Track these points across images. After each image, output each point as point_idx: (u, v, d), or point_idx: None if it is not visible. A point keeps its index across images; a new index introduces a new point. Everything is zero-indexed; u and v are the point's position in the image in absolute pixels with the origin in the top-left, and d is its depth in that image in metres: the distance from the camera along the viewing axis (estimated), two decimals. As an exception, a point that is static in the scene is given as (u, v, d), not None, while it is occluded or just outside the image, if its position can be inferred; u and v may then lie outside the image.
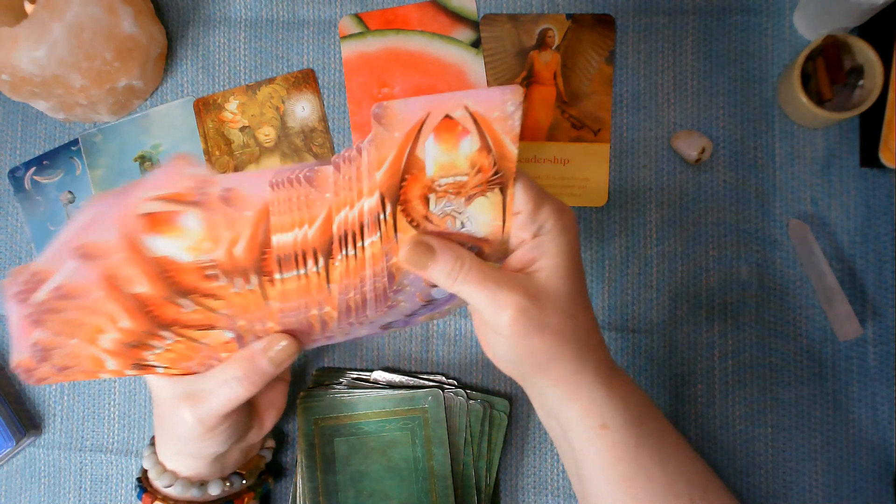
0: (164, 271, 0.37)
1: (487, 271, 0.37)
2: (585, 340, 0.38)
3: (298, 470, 0.54)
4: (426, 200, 0.37)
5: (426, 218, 0.38)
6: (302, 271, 0.38)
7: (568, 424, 0.40)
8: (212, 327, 0.40)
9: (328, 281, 0.39)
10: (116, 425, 0.59)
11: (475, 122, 0.36)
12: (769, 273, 0.54)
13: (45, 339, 0.38)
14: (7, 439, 0.57)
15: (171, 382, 0.42)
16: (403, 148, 0.36)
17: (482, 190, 0.37)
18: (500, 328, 0.37)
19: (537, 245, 0.38)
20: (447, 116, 0.35)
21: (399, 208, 0.37)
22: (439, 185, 0.37)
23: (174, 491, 0.45)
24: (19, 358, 0.39)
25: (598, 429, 0.39)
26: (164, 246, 0.36)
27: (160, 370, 0.41)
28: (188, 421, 0.41)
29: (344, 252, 0.38)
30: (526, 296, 0.36)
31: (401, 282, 0.40)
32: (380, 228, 0.38)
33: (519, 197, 0.37)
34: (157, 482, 0.45)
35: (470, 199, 0.37)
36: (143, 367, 0.41)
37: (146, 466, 0.46)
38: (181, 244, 0.36)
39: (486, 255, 0.40)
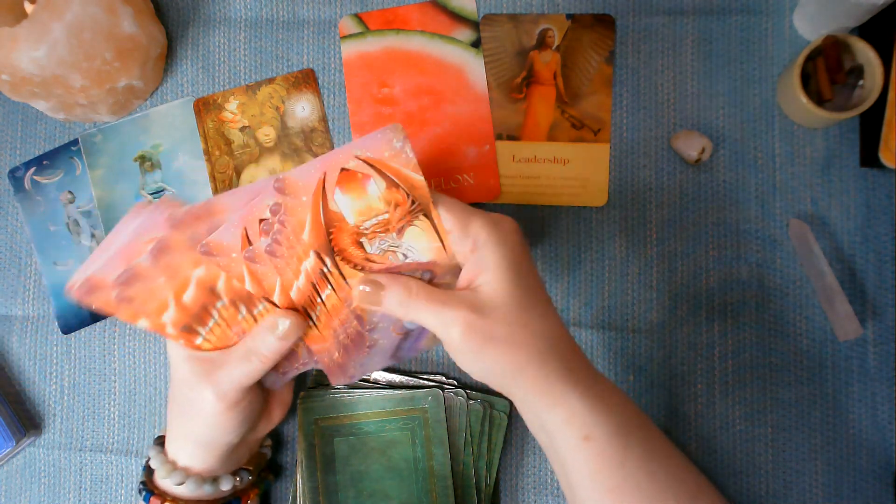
0: (331, 225, 0.40)
1: (434, 293, 0.39)
2: (547, 348, 0.38)
3: (298, 470, 0.54)
4: (360, 245, 0.40)
5: (368, 260, 0.40)
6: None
7: (553, 433, 0.39)
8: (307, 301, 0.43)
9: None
10: (116, 425, 0.59)
11: (371, 165, 0.38)
12: (769, 273, 0.54)
13: (145, 266, 0.40)
14: (7, 439, 0.57)
15: (192, 363, 0.43)
16: (316, 207, 0.39)
17: (408, 220, 0.39)
18: (453, 345, 0.38)
19: (477, 260, 0.39)
20: (343, 170, 0.38)
21: (338, 258, 0.40)
22: (366, 229, 0.40)
23: (185, 489, 0.45)
24: (101, 274, 0.40)
25: (582, 440, 0.39)
26: (343, 203, 0.40)
27: (199, 341, 0.43)
28: (209, 398, 0.42)
29: (313, 313, 0.42)
30: (471, 310, 0.37)
31: (370, 320, 0.43)
32: (329, 282, 0.41)
33: (444, 218, 0.39)
34: (166, 481, 0.45)
35: (401, 231, 0.40)
36: (191, 332, 0.43)
37: (154, 466, 0.46)
38: (356, 206, 0.40)
39: (440, 276, 0.41)
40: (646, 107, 0.55)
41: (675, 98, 0.55)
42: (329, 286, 0.41)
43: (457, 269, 0.41)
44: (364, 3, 0.58)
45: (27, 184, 0.60)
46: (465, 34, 0.57)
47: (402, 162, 0.38)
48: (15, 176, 0.60)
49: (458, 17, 0.57)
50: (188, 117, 0.59)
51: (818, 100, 0.51)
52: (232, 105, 0.59)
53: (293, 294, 0.41)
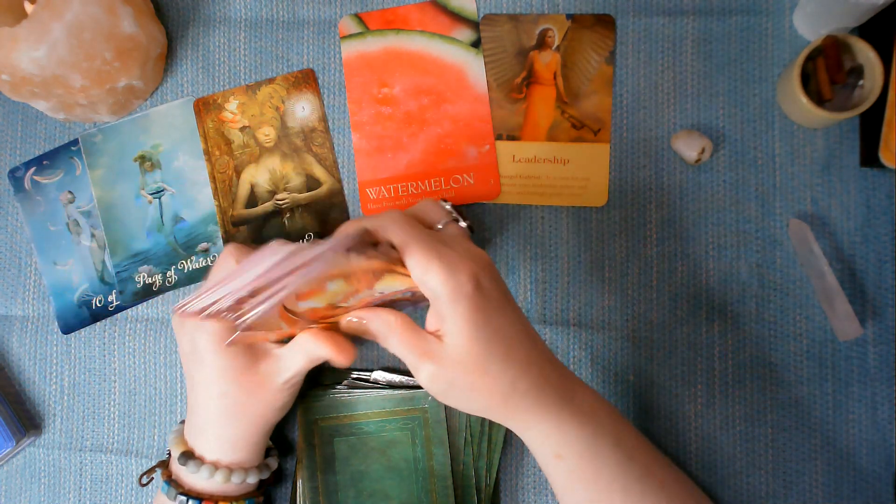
0: (304, 316, 0.43)
1: (408, 337, 0.41)
2: (510, 387, 0.40)
3: (298, 470, 0.54)
4: (334, 307, 0.43)
5: (346, 309, 0.44)
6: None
7: (531, 450, 0.43)
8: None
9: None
10: (116, 425, 0.59)
11: (317, 280, 0.39)
12: (769, 273, 0.54)
13: (267, 317, 0.42)
14: (7, 439, 0.57)
15: (237, 352, 0.46)
16: (287, 320, 0.43)
17: (373, 282, 0.41)
18: (423, 384, 0.41)
19: (436, 311, 0.41)
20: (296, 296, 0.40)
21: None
22: (338, 303, 0.42)
23: (214, 482, 0.47)
24: (216, 307, 0.41)
25: (553, 458, 0.42)
26: (309, 304, 0.42)
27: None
28: (271, 392, 0.47)
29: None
30: (433, 360, 0.40)
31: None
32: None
33: (410, 266, 0.40)
34: (198, 475, 0.47)
35: (372, 287, 0.42)
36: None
37: (181, 463, 0.47)
38: (321, 301, 0.42)
39: (419, 296, 0.43)
40: (646, 107, 0.55)
41: (675, 98, 0.55)
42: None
43: None
44: (364, 3, 0.58)
45: (27, 184, 0.60)
46: (465, 34, 0.57)
47: (350, 265, 0.38)
48: (15, 176, 0.60)
49: (458, 17, 0.57)
50: (188, 117, 0.59)
51: (818, 100, 0.51)
52: (232, 105, 0.59)
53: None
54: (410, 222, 0.41)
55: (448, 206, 0.46)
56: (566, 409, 0.41)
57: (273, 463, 0.51)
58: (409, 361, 0.41)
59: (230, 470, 0.47)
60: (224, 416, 0.47)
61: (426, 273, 0.39)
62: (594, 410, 0.42)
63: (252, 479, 0.48)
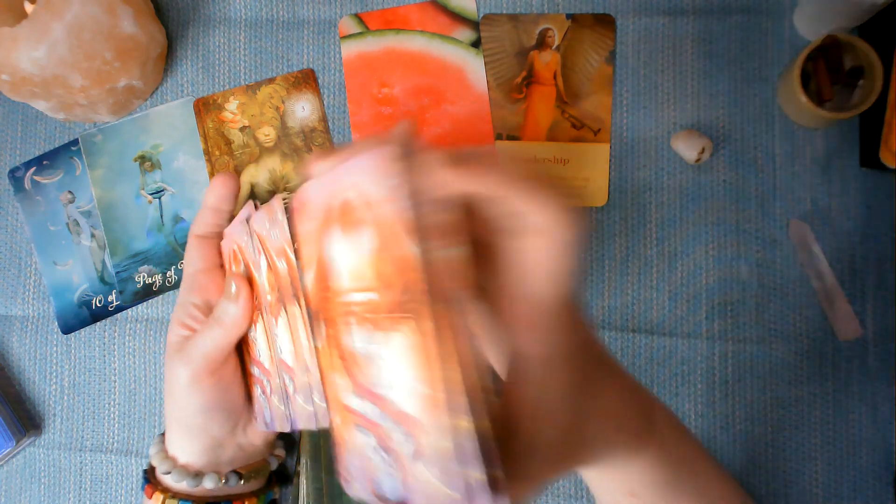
0: (323, 279, 0.28)
1: None
2: (590, 440, 0.31)
3: (302, 471, 0.54)
4: (349, 326, 0.26)
5: (353, 357, 0.26)
6: None
7: (596, 489, 0.37)
8: None
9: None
10: (116, 425, 0.59)
11: (367, 207, 0.25)
12: (769, 273, 0.54)
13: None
14: (7, 439, 0.57)
15: (174, 342, 0.44)
16: (320, 246, 0.27)
17: (395, 319, 0.24)
18: None
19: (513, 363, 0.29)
20: (346, 200, 0.26)
21: (328, 332, 0.28)
22: (356, 304, 0.26)
23: (171, 479, 0.45)
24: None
25: (628, 496, 0.36)
26: (340, 252, 0.27)
27: None
28: (180, 371, 0.43)
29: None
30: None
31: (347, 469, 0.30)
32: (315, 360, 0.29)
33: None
34: (159, 469, 0.46)
35: (388, 335, 0.25)
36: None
37: (151, 453, 0.47)
38: (350, 264, 0.26)
39: (423, 453, 0.24)
40: (646, 107, 0.55)
41: (675, 98, 0.55)
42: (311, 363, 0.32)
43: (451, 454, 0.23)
44: (364, 3, 0.58)
45: (27, 184, 0.60)
46: (465, 34, 0.57)
47: (396, 214, 0.24)
48: (15, 176, 0.60)
49: (458, 17, 0.57)
50: (188, 117, 0.59)
51: (818, 100, 0.51)
52: (232, 105, 0.59)
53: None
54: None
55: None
56: (650, 446, 0.34)
57: (234, 479, 0.48)
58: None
59: (186, 470, 0.46)
60: (167, 415, 0.46)
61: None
62: (673, 438, 0.36)
63: (209, 484, 0.46)
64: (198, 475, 0.46)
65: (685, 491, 0.36)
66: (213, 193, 0.46)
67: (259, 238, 0.38)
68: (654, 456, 0.34)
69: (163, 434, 0.48)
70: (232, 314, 0.42)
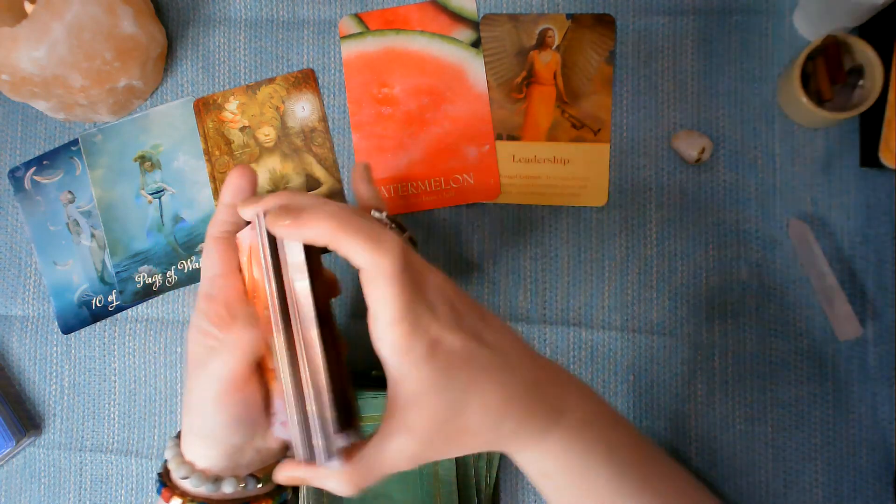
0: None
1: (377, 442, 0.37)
2: (493, 437, 0.38)
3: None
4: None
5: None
6: None
7: (521, 469, 0.41)
8: None
9: None
10: (116, 425, 0.59)
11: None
12: (769, 273, 0.54)
13: None
14: (7, 439, 0.57)
15: (201, 351, 0.43)
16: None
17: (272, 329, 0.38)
18: (394, 464, 0.39)
19: (391, 370, 0.37)
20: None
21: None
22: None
23: (189, 484, 0.45)
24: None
25: (541, 477, 0.40)
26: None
27: None
28: (206, 385, 0.42)
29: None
30: (404, 433, 0.37)
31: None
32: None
33: (366, 279, 0.35)
34: (176, 474, 0.45)
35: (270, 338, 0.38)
36: None
37: (167, 457, 0.47)
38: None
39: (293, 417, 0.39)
40: (646, 107, 0.55)
41: (675, 98, 0.55)
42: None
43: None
44: (364, 3, 0.58)
45: (27, 184, 0.60)
46: (465, 34, 0.57)
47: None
48: (15, 176, 0.60)
49: (458, 17, 0.57)
50: (188, 117, 0.59)
51: (818, 100, 0.51)
52: (232, 105, 0.59)
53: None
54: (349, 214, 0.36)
55: (382, 216, 0.43)
56: (553, 431, 0.39)
57: (252, 482, 0.48)
58: (371, 454, 0.37)
59: (204, 474, 0.46)
60: (185, 421, 0.45)
61: (394, 324, 0.34)
62: (585, 423, 0.40)
63: (228, 489, 0.46)
64: (217, 480, 0.46)
65: (600, 474, 0.40)
66: (229, 188, 0.45)
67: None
68: (559, 442, 0.39)
69: (177, 437, 0.48)
70: (245, 339, 0.41)
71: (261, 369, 0.45)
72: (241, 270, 0.43)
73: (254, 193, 0.45)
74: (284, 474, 0.40)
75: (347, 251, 0.34)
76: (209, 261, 0.44)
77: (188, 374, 0.44)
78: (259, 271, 0.39)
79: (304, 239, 0.35)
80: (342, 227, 0.34)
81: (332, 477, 0.37)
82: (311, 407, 0.36)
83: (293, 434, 0.37)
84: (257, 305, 0.41)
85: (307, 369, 0.36)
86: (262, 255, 0.37)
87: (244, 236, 0.42)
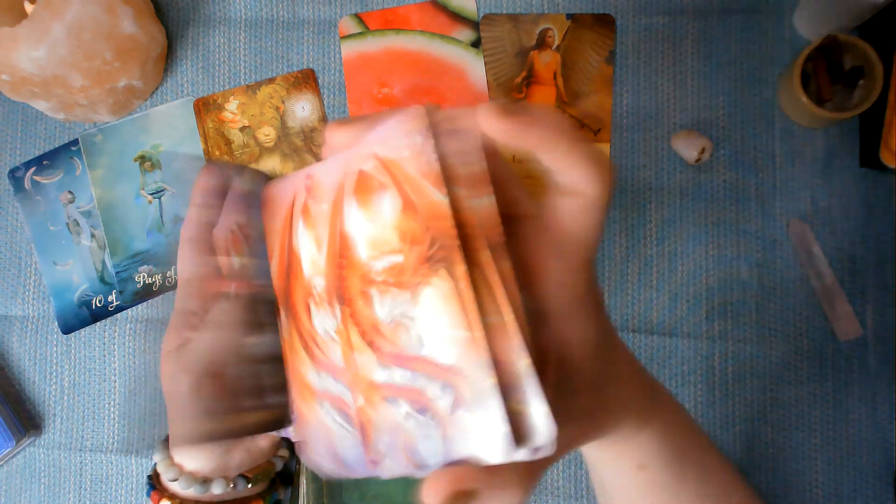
0: (342, 255, 0.28)
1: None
2: (605, 415, 0.33)
3: (303, 471, 0.54)
4: (370, 298, 0.26)
5: (376, 329, 0.26)
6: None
7: (602, 465, 0.38)
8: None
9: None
10: (116, 425, 0.59)
11: (388, 171, 0.26)
12: (769, 273, 0.54)
13: None
14: (7, 439, 0.57)
15: (174, 350, 0.42)
16: (334, 223, 0.27)
17: (424, 273, 0.24)
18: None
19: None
20: (361, 172, 0.26)
21: (347, 312, 0.27)
22: (377, 272, 0.26)
23: (178, 486, 0.45)
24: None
25: (636, 468, 0.37)
26: (357, 223, 0.27)
27: None
28: (179, 377, 0.41)
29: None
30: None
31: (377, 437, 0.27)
32: (335, 340, 0.28)
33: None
34: (165, 476, 0.46)
35: (415, 291, 0.25)
36: None
37: (156, 460, 0.47)
38: (369, 232, 0.26)
39: (466, 402, 0.24)
40: (646, 107, 0.55)
41: (675, 98, 0.55)
42: (336, 346, 0.28)
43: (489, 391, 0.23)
44: (364, 3, 0.58)
45: (27, 184, 0.60)
46: (465, 34, 0.57)
47: (423, 168, 0.25)
48: (15, 176, 0.60)
49: (458, 17, 0.57)
50: (188, 117, 0.59)
51: (818, 100, 0.51)
52: (232, 105, 0.59)
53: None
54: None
55: None
56: (657, 417, 0.36)
57: (241, 482, 0.48)
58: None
59: (193, 476, 0.46)
60: (170, 423, 0.45)
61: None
62: (679, 419, 0.39)
63: (217, 490, 0.46)
64: (206, 481, 0.46)
65: (690, 465, 0.38)
66: (198, 190, 0.45)
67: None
68: (659, 429, 0.36)
69: (166, 439, 0.48)
70: (228, 313, 0.41)
71: None
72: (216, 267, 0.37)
73: (225, 189, 0.41)
74: (443, 494, 0.25)
75: (573, 170, 0.28)
76: (185, 262, 0.43)
77: (163, 371, 0.44)
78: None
79: (528, 145, 0.27)
80: (578, 138, 0.27)
81: (510, 480, 0.26)
82: (521, 363, 0.24)
83: (473, 421, 0.24)
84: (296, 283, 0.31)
85: (510, 313, 0.24)
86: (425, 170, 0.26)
87: (286, 186, 0.32)
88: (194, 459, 0.45)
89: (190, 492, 0.45)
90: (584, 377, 0.28)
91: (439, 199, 0.24)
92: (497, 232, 0.25)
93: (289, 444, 0.55)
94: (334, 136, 0.29)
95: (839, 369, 0.53)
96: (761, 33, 0.55)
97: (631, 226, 0.55)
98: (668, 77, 0.55)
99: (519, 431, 0.23)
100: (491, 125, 0.27)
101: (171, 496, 0.45)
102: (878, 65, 0.49)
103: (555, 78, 0.56)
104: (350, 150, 0.27)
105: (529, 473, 0.27)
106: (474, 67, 0.57)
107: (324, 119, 0.58)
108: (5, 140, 0.61)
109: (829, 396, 0.53)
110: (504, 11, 0.57)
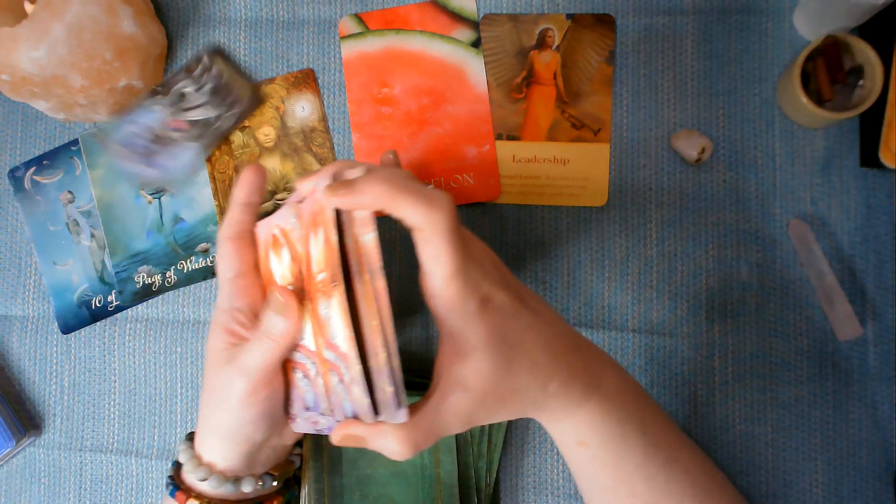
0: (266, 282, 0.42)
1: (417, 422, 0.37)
2: (540, 397, 0.38)
3: (305, 471, 0.54)
4: (318, 301, 0.38)
5: (321, 321, 0.37)
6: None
7: (553, 437, 0.42)
8: None
9: None
10: (116, 425, 0.59)
11: (285, 236, 0.39)
12: (769, 273, 0.54)
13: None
14: (7, 439, 0.57)
15: (223, 350, 0.42)
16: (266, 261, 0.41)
17: (331, 290, 0.36)
18: (452, 423, 0.39)
19: (449, 329, 0.38)
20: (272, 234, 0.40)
21: (311, 308, 0.39)
22: (320, 283, 0.37)
23: (208, 485, 0.44)
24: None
25: (576, 445, 0.41)
26: (274, 265, 0.41)
27: None
28: (235, 382, 0.41)
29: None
30: (461, 390, 0.37)
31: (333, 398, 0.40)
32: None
33: (430, 257, 0.36)
34: (192, 476, 0.45)
35: (329, 301, 0.36)
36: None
37: (182, 460, 0.46)
38: (280, 271, 0.41)
39: (353, 373, 0.37)
40: (646, 107, 0.55)
41: (675, 98, 0.55)
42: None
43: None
44: (364, 3, 0.58)
45: (27, 184, 0.60)
46: (465, 34, 0.57)
47: (328, 217, 0.36)
48: (15, 176, 0.60)
49: (458, 17, 0.57)
50: (188, 117, 0.59)
51: (818, 100, 0.51)
52: (232, 105, 0.59)
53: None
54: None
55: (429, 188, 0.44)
56: (592, 397, 0.40)
57: (269, 480, 0.48)
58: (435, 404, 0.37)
59: (224, 475, 0.45)
60: (204, 421, 0.45)
61: (452, 279, 0.35)
62: (621, 394, 0.41)
63: (247, 488, 0.46)
64: (237, 480, 0.45)
65: (633, 442, 0.40)
66: (243, 187, 0.44)
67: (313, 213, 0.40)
68: (598, 405, 0.40)
69: (189, 438, 0.48)
70: (281, 328, 0.41)
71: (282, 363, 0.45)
72: (258, 268, 0.43)
73: (265, 191, 0.46)
74: (342, 432, 0.39)
75: (403, 212, 0.35)
76: (227, 262, 0.44)
77: (210, 373, 0.43)
78: (293, 251, 0.40)
79: (361, 206, 0.36)
80: (397, 189, 0.35)
81: (390, 436, 0.37)
82: (380, 356, 0.35)
83: (355, 394, 0.36)
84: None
85: (378, 319, 0.35)
86: (326, 218, 0.37)
87: (260, 230, 0.42)
88: (225, 458, 0.45)
89: (220, 491, 0.45)
90: (479, 369, 0.36)
91: (333, 239, 0.36)
92: (377, 258, 0.35)
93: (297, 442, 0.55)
94: (301, 185, 0.41)
95: (839, 369, 0.53)
96: (761, 33, 0.55)
97: (631, 226, 0.55)
98: (668, 77, 0.55)
99: (376, 404, 0.36)
100: (334, 202, 0.37)
101: (199, 496, 0.45)
102: (878, 65, 0.49)
103: (555, 78, 0.56)
104: (272, 217, 0.41)
105: (414, 434, 0.36)
106: (474, 67, 0.57)
107: (324, 119, 0.58)
108: (5, 140, 0.61)
109: (828, 396, 0.53)
110: (504, 11, 0.57)
